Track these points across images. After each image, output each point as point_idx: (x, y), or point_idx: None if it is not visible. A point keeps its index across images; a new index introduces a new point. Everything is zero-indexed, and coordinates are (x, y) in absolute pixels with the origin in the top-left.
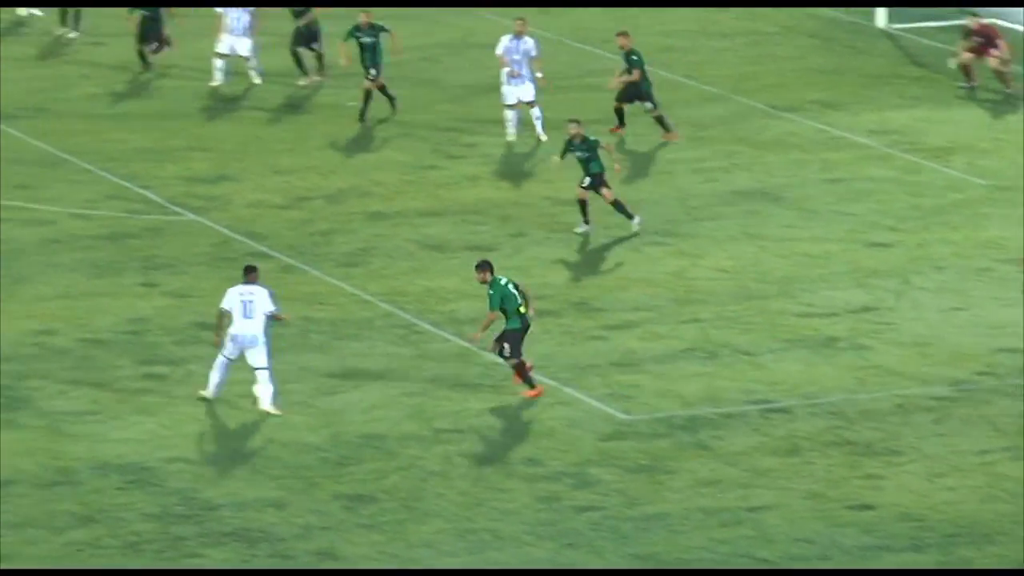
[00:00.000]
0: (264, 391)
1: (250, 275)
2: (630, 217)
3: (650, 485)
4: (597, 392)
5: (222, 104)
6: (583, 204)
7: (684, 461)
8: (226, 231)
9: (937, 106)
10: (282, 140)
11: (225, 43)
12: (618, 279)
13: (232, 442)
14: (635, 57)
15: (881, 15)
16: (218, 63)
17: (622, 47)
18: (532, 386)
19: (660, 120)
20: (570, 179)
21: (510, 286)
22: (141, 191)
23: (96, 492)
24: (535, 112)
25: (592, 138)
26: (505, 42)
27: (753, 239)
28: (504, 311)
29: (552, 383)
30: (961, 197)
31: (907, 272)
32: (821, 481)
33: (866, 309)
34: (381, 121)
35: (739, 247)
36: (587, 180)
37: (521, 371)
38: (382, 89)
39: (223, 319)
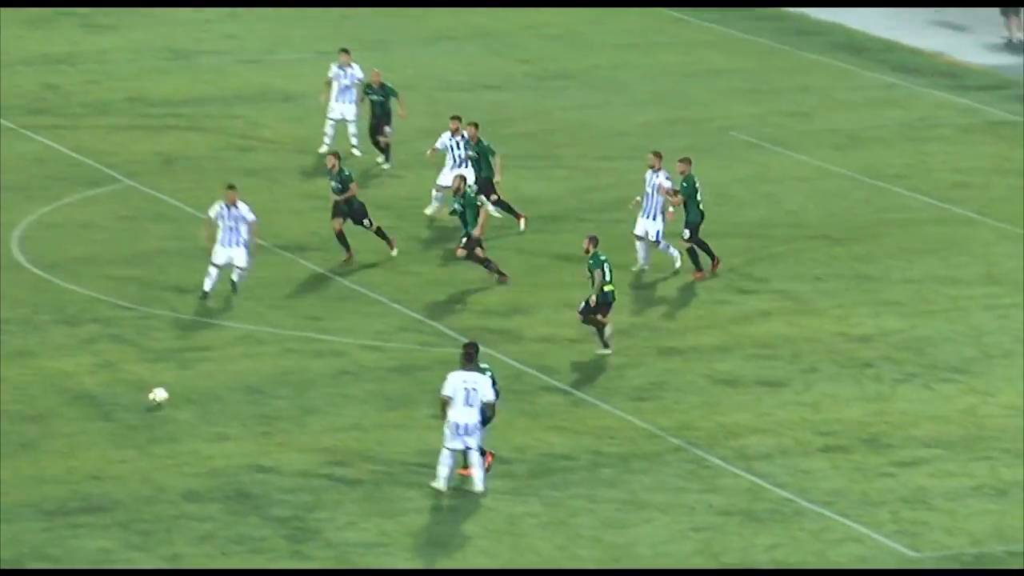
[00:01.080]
0: (476, 473)
1: (470, 358)
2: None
3: None
4: (886, 529)
5: (511, 239)
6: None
7: None
8: (517, 364)
9: None
10: (573, 274)
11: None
12: (909, 416)
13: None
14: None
15: None
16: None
17: (682, 173)
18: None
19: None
20: (861, 315)
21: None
22: (433, 323)
23: None
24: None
25: None
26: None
27: None
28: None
29: (842, 519)
30: None
31: None
32: None
33: None
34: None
35: None
36: None
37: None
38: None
39: (445, 407)
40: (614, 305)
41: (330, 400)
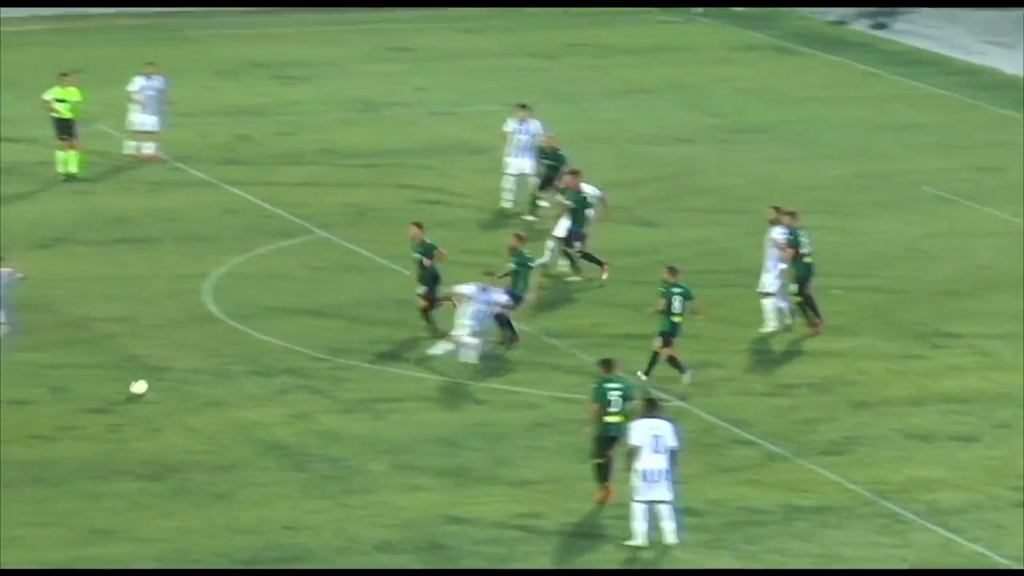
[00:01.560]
0: (668, 526)
1: (653, 410)
2: None
3: None
4: None
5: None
6: None
7: None
8: (711, 418)
9: None
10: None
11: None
12: None
13: None
14: None
15: None
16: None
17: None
18: None
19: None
20: None
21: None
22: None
23: None
24: None
25: None
26: None
27: None
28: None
29: None
30: None
31: None
32: None
33: None
34: (863, 314)
35: None
36: None
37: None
38: None
39: (633, 456)
40: (677, 339)
41: (523, 452)
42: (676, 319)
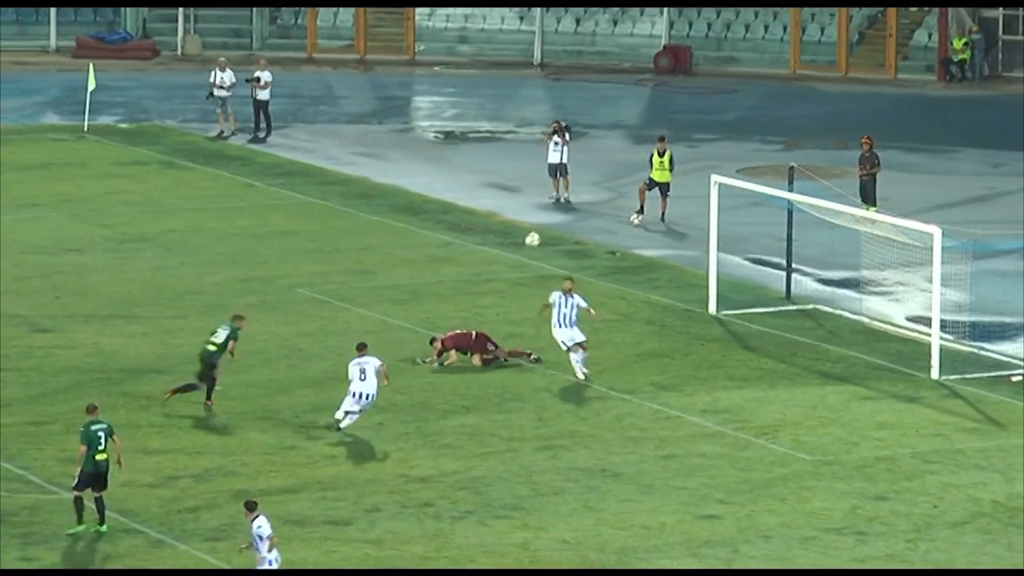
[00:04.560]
0: None
1: None
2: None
3: None
4: None
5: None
6: None
7: None
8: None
9: (764, 387)
10: (152, 424)
11: None
12: (466, 550)
13: None
14: None
15: (712, 303)
16: None
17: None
18: None
19: None
20: (420, 457)
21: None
22: (20, 471)
23: None
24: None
25: None
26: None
27: (593, 512)
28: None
29: None
30: (787, 471)
31: (736, 542)
32: None
33: None
34: (241, 409)
35: (580, 520)
36: None
37: None
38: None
39: None
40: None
41: None
42: (100, 457)
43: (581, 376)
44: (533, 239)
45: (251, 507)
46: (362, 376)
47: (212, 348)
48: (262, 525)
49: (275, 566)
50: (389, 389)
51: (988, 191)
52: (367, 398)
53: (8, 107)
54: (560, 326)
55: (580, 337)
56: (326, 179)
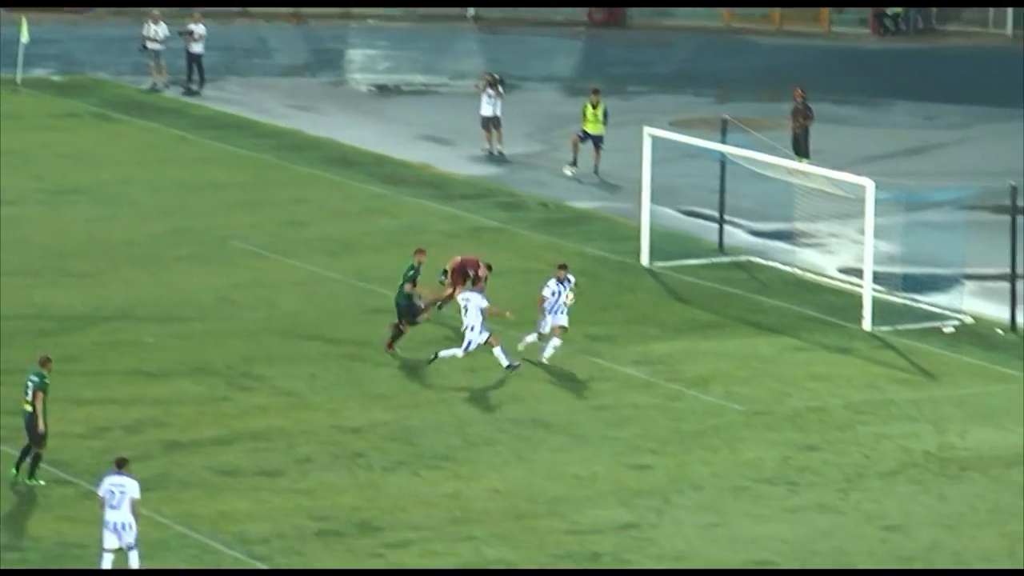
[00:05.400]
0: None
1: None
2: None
3: None
4: None
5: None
6: None
7: None
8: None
9: (697, 338)
10: (83, 373)
11: None
12: (398, 501)
13: None
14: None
15: (645, 254)
16: None
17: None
18: None
19: None
20: (352, 407)
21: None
22: None
23: None
24: None
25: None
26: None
27: (525, 462)
28: None
29: None
30: (719, 422)
31: (668, 491)
32: None
33: (629, 526)
34: (176, 360)
35: (512, 470)
36: None
37: None
38: None
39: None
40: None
41: None
42: (26, 408)
43: (545, 358)
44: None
45: (121, 464)
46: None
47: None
48: (125, 485)
49: (124, 535)
50: (321, 341)
51: (921, 143)
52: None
53: None
54: (551, 312)
55: (564, 321)
56: (259, 132)
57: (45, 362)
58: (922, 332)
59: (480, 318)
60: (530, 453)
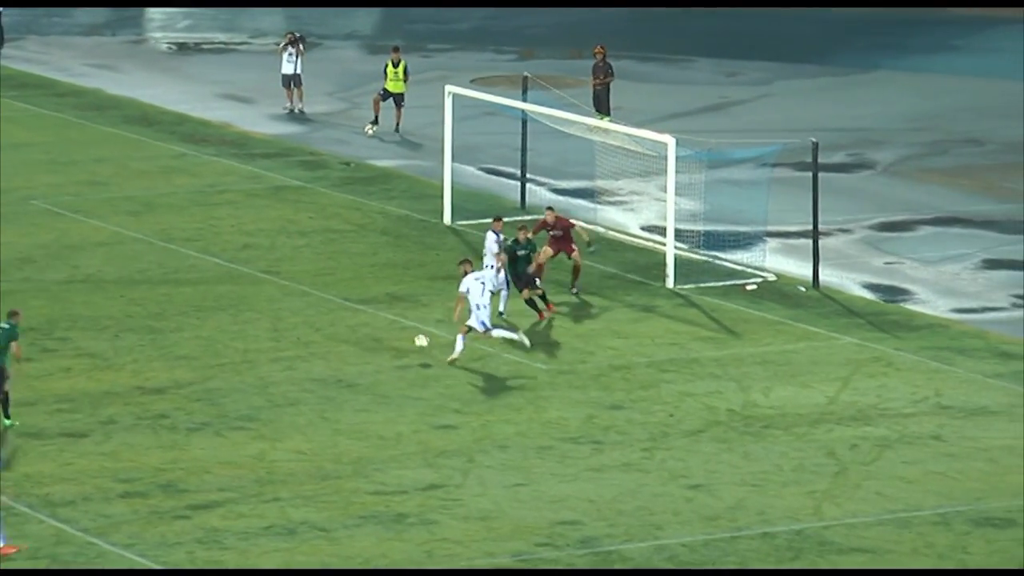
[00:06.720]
0: None
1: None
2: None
3: None
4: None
5: None
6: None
7: None
8: None
9: (500, 297)
10: None
11: None
12: (203, 462)
13: None
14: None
15: (447, 213)
16: None
17: None
18: None
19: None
20: (156, 369)
21: None
22: None
23: None
24: None
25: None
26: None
27: (329, 422)
28: None
29: (141, 560)
30: (523, 381)
31: (473, 451)
32: None
33: (434, 486)
34: None
35: (316, 431)
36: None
37: None
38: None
39: None
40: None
41: None
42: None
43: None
44: (423, 340)
45: None
46: None
47: None
48: None
49: None
50: (124, 301)
51: (722, 100)
52: None
53: None
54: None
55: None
56: (60, 91)
57: (13, 315)
58: (725, 290)
59: (487, 298)
60: (334, 413)
